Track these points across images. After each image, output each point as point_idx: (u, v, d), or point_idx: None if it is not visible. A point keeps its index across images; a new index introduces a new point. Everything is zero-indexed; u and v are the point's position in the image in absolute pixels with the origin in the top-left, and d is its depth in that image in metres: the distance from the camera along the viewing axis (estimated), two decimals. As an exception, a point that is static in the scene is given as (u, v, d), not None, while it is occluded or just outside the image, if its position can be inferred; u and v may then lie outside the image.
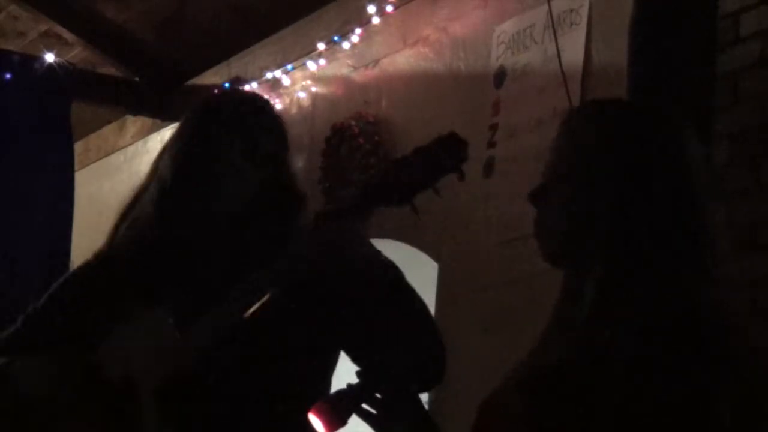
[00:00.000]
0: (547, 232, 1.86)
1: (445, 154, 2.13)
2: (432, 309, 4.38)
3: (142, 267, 2.33)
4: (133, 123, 6.40)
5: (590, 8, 4.03)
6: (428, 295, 4.42)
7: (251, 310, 2.16)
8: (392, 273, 2.31)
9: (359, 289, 2.25)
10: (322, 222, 2.20)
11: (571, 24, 4.07)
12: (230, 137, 2.33)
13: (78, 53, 5.91)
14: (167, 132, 6.09)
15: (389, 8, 4.81)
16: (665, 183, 1.79)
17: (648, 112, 1.91)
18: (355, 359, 2.30)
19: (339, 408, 2.01)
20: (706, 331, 1.70)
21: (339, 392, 2.05)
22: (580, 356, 1.69)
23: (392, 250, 4.31)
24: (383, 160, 4.73)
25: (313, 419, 2.02)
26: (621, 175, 1.79)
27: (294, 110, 5.29)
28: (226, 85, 5.58)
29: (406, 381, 2.07)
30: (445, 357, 2.30)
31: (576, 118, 1.96)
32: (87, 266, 2.42)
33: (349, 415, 2.01)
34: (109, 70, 6.02)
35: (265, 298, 2.16)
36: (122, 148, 6.47)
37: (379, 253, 2.32)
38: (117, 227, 2.42)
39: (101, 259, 2.40)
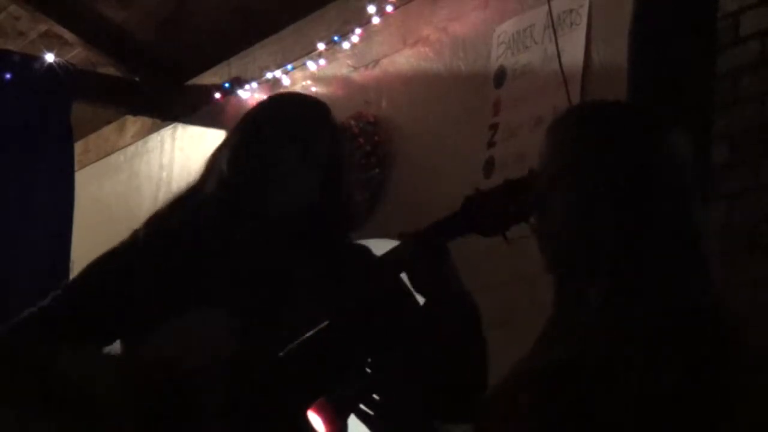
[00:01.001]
0: (549, 238, 1.86)
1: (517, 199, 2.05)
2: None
3: (198, 257, 2.27)
4: (133, 123, 6.40)
5: (590, 8, 4.03)
6: (428, 295, 4.42)
7: (308, 334, 2.12)
8: (473, 316, 2.26)
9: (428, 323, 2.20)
10: (411, 248, 2.14)
11: (571, 24, 4.07)
12: (289, 143, 2.30)
13: (78, 53, 5.90)
14: (167, 132, 6.09)
15: (389, 8, 4.81)
16: (660, 184, 1.79)
17: (638, 113, 1.91)
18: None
19: (339, 407, 2.01)
20: (712, 331, 1.71)
21: (339, 391, 2.05)
22: (587, 356, 1.69)
23: (392, 250, 4.30)
24: (383, 159, 4.73)
25: (313, 417, 2.03)
26: (618, 178, 1.79)
27: (294, 110, 5.29)
28: (226, 85, 5.58)
29: (409, 391, 2.06)
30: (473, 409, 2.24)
31: (567, 121, 1.95)
32: (133, 243, 2.35)
33: (348, 415, 2.02)
34: (109, 70, 6.02)
35: (322, 325, 2.13)
36: (122, 148, 6.47)
37: (466, 292, 2.28)
38: (171, 209, 2.36)
39: (148, 238, 2.33)
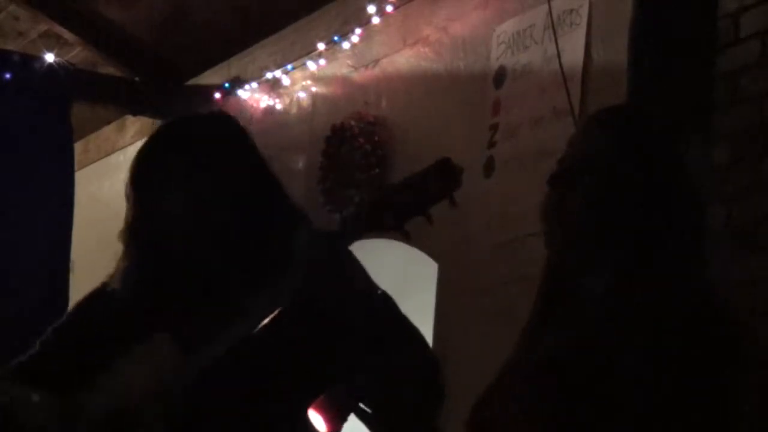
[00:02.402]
0: (560, 220, 1.87)
1: (438, 181, 2.11)
2: (432, 309, 4.39)
3: (139, 300, 2.32)
4: (133, 123, 6.40)
5: (590, 8, 4.03)
6: (428, 295, 4.43)
7: (261, 324, 2.14)
8: (387, 304, 2.29)
9: (356, 321, 2.23)
10: (315, 248, 2.17)
11: (571, 24, 4.07)
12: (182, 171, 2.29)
13: (78, 53, 5.91)
14: (167, 132, 6.09)
15: (389, 8, 4.81)
16: (675, 185, 1.81)
17: (649, 116, 1.94)
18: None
19: (340, 406, 2.02)
20: (713, 328, 1.72)
21: (339, 390, 2.05)
22: (587, 348, 1.70)
23: (392, 250, 4.30)
24: (383, 159, 4.73)
25: (314, 416, 2.03)
26: (634, 176, 1.81)
27: (294, 110, 5.29)
28: (226, 85, 5.58)
29: (403, 410, 2.07)
30: (442, 381, 2.27)
31: (594, 121, 1.99)
32: (91, 299, 2.42)
33: (349, 413, 2.02)
34: (109, 70, 6.02)
35: (274, 314, 2.15)
36: (122, 148, 6.47)
37: (375, 285, 2.30)
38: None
39: (103, 294, 2.38)
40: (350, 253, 2.24)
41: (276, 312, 2.14)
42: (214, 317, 2.20)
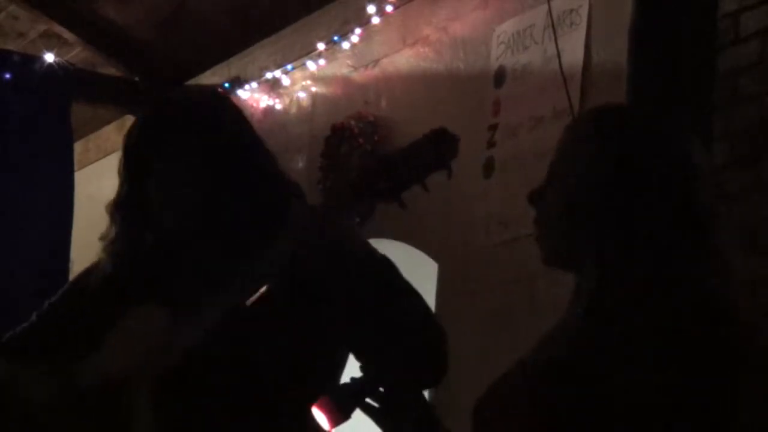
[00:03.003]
0: (546, 231, 1.87)
1: (434, 150, 2.10)
2: (431, 309, 4.39)
3: (130, 271, 2.34)
4: (133, 123, 6.39)
5: (590, 8, 4.03)
6: (428, 295, 4.43)
7: (250, 300, 2.15)
8: (387, 268, 2.30)
9: (355, 287, 2.23)
10: (312, 217, 2.18)
11: (571, 24, 4.07)
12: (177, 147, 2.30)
13: (78, 53, 5.91)
14: (167, 132, 6.09)
15: (389, 8, 4.81)
16: (663, 182, 1.80)
17: (636, 112, 1.95)
18: (357, 356, 2.29)
19: (343, 402, 2.02)
20: (720, 329, 1.71)
21: (342, 386, 2.05)
22: (578, 350, 1.70)
23: (392, 250, 4.30)
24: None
25: (317, 414, 2.03)
26: (619, 173, 1.80)
27: (294, 110, 5.29)
28: (226, 85, 5.59)
29: (407, 376, 2.07)
30: (446, 349, 2.28)
31: (579, 123, 1.99)
32: (86, 274, 2.44)
33: (352, 410, 2.02)
34: (109, 70, 6.02)
35: (262, 290, 2.15)
36: (122, 148, 6.47)
37: (373, 249, 2.31)
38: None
39: (97, 268, 2.40)
40: (344, 222, 2.22)
41: (269, 283, 2.14)
42: (204, 286, 2.21)
